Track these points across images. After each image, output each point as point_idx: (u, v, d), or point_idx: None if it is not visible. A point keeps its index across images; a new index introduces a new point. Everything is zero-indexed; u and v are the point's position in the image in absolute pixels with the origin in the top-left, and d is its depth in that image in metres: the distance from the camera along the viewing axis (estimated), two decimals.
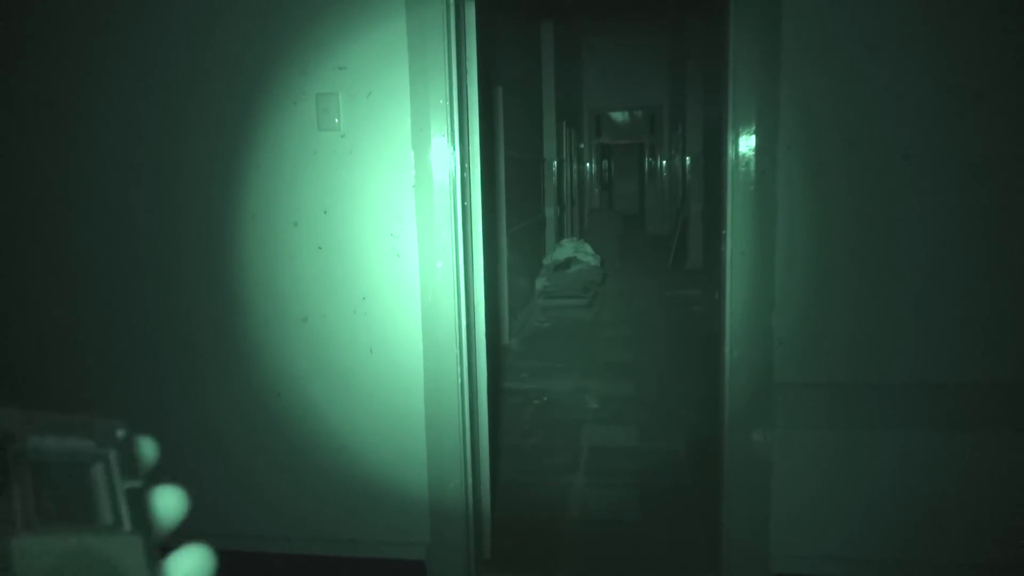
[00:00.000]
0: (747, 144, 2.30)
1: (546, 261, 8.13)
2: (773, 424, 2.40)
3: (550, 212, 8.69)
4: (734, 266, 2.36)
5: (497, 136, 5.45)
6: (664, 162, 13.95)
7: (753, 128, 2.28)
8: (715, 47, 2.64)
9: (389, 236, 2.50)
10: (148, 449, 0.40)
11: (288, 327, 2.58)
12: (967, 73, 2.20)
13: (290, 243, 2.55)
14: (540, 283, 7.57)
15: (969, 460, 2.34)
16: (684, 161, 10.18)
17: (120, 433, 0.38)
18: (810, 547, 2.45)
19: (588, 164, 14.34)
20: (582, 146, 13.00)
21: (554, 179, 8.91)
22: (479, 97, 2.65)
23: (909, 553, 2.40)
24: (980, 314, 2.28)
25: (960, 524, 2.37)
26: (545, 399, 4.67)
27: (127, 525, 0.35)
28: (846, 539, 2.43)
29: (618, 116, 15.54)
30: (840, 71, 2.26)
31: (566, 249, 8.27)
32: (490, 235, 5.12)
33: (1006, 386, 2.29)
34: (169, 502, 0.39)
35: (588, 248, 8.51)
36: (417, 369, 2.53)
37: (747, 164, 2.30)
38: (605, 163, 17.61)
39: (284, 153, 2.51)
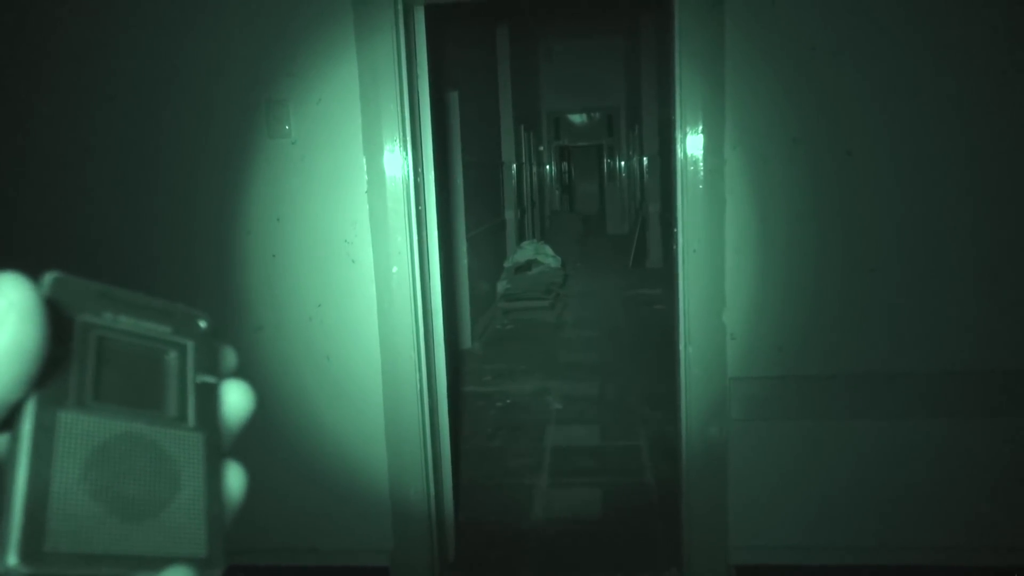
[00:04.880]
0: (695, 144, 2.34)
1: (507, 264, 8.14)
2: (728, 418, 2.44)
3: (510, 215, 8.71)
4: (686, 264, 2.40)
5: (452, 140, 5.45)
6: (623, 163, 14.07)
7: (700, 128, 2.33)
8: (667, 49, 2.68)
9: (343, 242, 2.49)
10: (230, 354, 0.37)
11: (243, 337, 2.55)
12: (904, 70, 2.27)
13: (244, 252, 2.53)
14: (502, 286, 7.57)
15: (923, 447, 2.41)
16: (642, 161, 10.28)
17: (202, 324, 0.36)
18: (769, 537, 2.50)
19: (548, 166, 14.39)
20: (541, 148, 13.04)
21: (513, 182, 8.93)
22: (432, 102, 2.65)
23: (867, 539, 2.46)
24: (930, 304, 2.35)
25: (915, 509, 2.43)
26: (508, 401, 4.68)
27: (190, 420, 0.34)
28: (805, 528, 2.48)
29: (576, 118, 15.61)
30: (783, 71, 2.32)
31: (527, 251, 8.28)
32: (447, 239, 5.12)
33: (958, 374, 2.36)
34: (236, 399, 0.36)
35: (549, 250, 8.53)
36: (375, 375, 2.53)
37: (695, 163, 2.34)
38: (565, 165, 17.70)
39: (236, 162, 2.49)
